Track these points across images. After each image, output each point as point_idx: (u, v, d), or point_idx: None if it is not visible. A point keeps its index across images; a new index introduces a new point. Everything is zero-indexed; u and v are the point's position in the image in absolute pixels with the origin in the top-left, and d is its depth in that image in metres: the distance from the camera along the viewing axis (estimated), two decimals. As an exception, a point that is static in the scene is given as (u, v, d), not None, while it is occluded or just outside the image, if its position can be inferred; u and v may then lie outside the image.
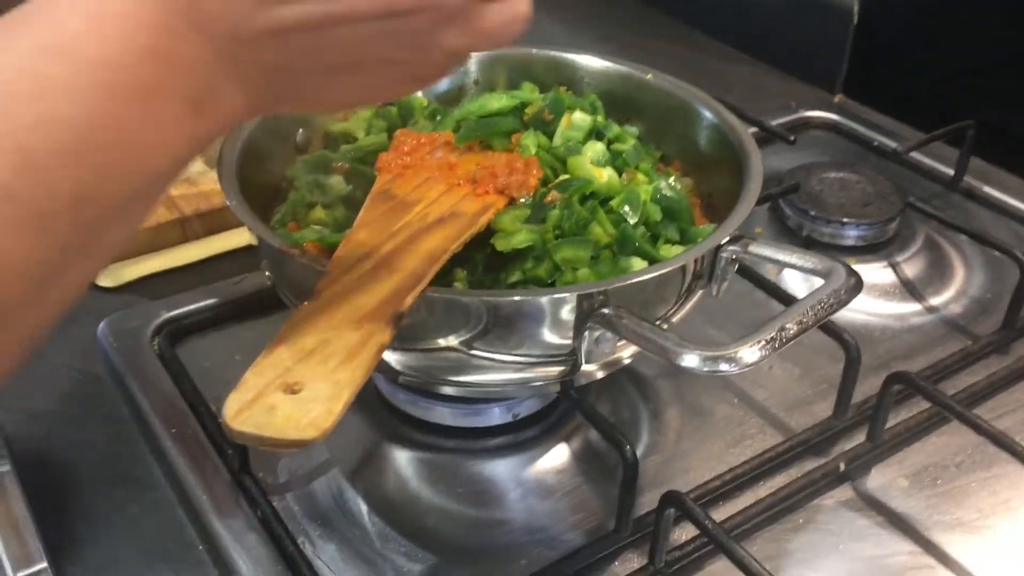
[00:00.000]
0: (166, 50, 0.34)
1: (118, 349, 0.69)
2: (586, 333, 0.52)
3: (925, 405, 0.66)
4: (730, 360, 0.47)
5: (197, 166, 0.85)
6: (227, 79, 0.36)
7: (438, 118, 0.69)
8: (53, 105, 0.32)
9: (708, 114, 0.69)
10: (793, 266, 0.55)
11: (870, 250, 0.85)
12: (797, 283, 0.79)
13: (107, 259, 0.37)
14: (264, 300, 0.73)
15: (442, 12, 0.38)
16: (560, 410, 0.67)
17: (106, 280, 0.77)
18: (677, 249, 0.60)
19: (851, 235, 0.85)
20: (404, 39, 0.38)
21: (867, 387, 0.67)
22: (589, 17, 1.31)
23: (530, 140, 0.64)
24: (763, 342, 0.48)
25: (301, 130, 0.70)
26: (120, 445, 0.64)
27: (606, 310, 0.51)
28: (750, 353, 0.47)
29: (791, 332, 0.49)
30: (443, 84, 0.74)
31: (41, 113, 0.32)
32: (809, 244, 0.86)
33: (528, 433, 0.65)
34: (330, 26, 0.36)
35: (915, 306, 0.79)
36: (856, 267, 0.53)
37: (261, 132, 0.64)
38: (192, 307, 0.73)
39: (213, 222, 0.83)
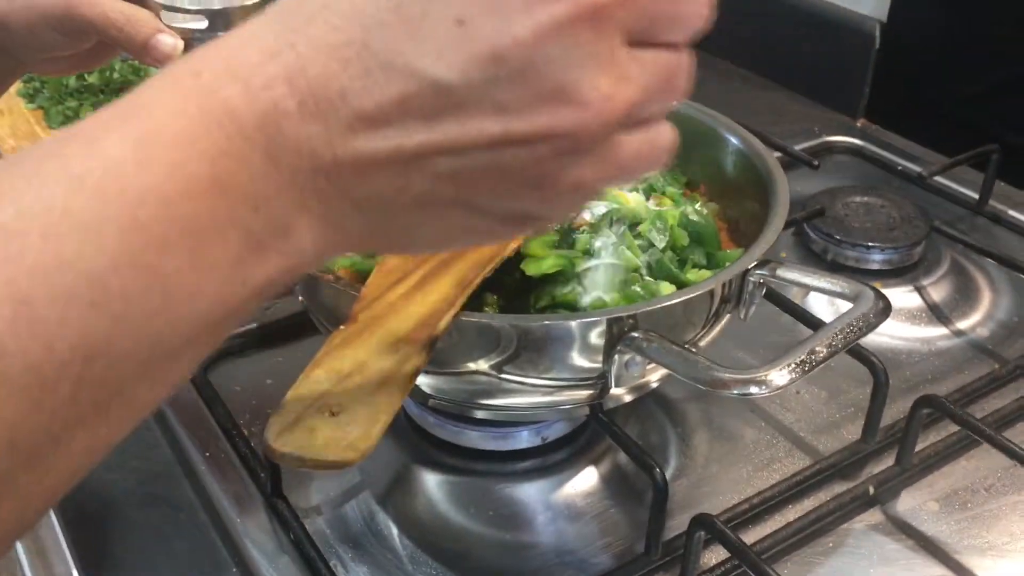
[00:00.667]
0: (227, 181, 0.29)
1: (152, 373, 0.70)
2: (616, 357, 0.52)
3: (954, 429, 0.66)
4: (760, 383, 0.47)
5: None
6: (300, 212, 0.30)
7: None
8: (63, 245, 0.26)
9: (733, 140, 0.69)
10: (822, 290, 0.55)
11: (896, 274, 0.85)
12: (823, 307, 0.79)
13: (132, 423, 0.30)
14: (294, 326, 0.74)
15: (569, 141, 0.30)
16: (588, 433, 0.67)
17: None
18: (705, 273, 0.61)
19: (876, 259, 0.85)
20: (520, 173, 0.31)
21: (895, 411, 0.67)
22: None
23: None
24: (793, 365, 0.48)
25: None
26: (154, 467, 0.65)
27: (635, 334, 0.51)
28: (780, 376, 0.47)
29: (821, 355, 0.49)
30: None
31: (47, 254, 0.26)
32: (834, 268, 0.86)
33: (557, 456, 0.66)
34: (431, 156, 0.30)
35: (942, 330, 0.79)
36: (882, 291, 0.54)
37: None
38: (224, 332, 0.74)
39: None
